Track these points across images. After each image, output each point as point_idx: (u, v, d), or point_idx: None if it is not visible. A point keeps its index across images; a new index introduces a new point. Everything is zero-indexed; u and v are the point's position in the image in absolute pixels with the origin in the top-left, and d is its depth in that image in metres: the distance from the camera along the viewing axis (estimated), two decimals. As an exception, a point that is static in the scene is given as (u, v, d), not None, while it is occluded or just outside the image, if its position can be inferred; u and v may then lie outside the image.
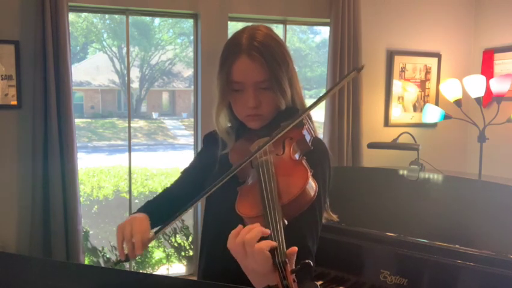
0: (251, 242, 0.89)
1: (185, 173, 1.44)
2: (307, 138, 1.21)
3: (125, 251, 1.21)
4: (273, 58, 1.20)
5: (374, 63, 4.18)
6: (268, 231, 0.91)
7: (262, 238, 0.90)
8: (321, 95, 1.20)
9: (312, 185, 1.05)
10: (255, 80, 1.20)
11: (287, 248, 0.89)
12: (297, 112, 1.24)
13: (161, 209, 1.38)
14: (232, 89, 1.24)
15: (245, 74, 1.20)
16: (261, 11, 3.85)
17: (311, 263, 0.86)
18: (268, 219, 0.94)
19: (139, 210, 1.36)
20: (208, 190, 1.11)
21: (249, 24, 1.32)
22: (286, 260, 0.86)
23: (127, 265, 4.03)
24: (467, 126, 4.12)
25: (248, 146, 1.21)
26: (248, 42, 1.20)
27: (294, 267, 0.88)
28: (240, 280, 0.91)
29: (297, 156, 1.15)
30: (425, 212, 2.13)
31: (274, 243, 0.88)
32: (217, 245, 1.27)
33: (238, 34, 1.25)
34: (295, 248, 0.88)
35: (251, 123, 1.27)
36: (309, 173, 1.06)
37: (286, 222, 0.97)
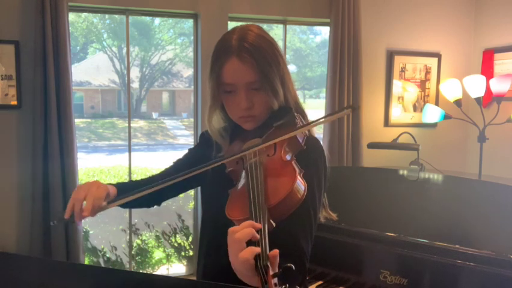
0: (239, 242, 0.89)
1: (176, 164, 1.42)
2: (300, 138, 1.19)
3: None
4: (264, 59, 1.19)
5: (374, 63, 4.18)
6: (258, 236, 0.90)
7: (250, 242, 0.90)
8: (311, 121, 1.19)
9: (300, 186, 1.04)
10: (246, 81, 1.19)
11: (279, 252, 0.88)
12: (290, 111, 1.23)
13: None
14: (223, 91, 1.23)
15: (236, 76, 1.19)
16: (261, 11, 3.85)
17: (293, 267, 0.84)
18: None
19: (117, 184, 1.32)
20: (182, 175, 1.11)
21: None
22: (268, 264, 0.85)
23: (127, 265, 4.03)
24: (467, 126, 4.12)
25: (242, 147, 1.20)
26: (238, 43, 1.19)
27: (277, 270, 0.86)
28: (239, 280, 0.91)
29: (288, 157, 1.14)
30: (425, 212, 2.13)
31: (258, 250, 0.87)
32: (214, 245, 1.27)
33: (228, 35, 1.23)
34: (277, 251, 0.87)
35: (245, 124, 1.26)
36: (297, 174, 1.04)
37: (274, 224, 0.96)
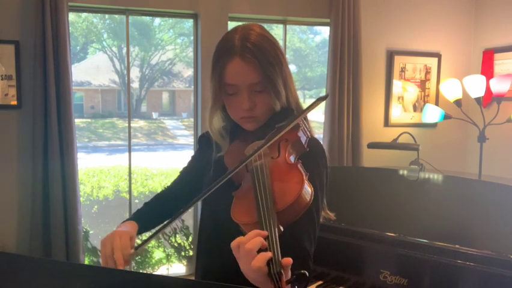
0: (250, 252, 0.88)
1: (184, 173, 1.44)
2: (303, 139, 1.19)
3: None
4: (267, 59, 1.17)
5: (374, 63, 4.18)
6: (266, 244, 0.89)
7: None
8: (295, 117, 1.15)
9: (307, 190, 1.03)
10: (249, 83, 1.18)
11: (283, 253, 0.88)
12: (292, 113, 1.23)
13: (159, 211, 1.39)
14: (225, 91, 1.22)
15: (239, 77, 1.18)
16: (261, 11, 3.85)
17: (307, 274, 0.84)
18: (263, 228, 0.93)
19: (135, 213, 1.37)
20: (200, 197, 1.09)
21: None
22: (282, 270, 0.84)
23: (127, 265, 4.02)
24: (467, 126, 4.12)
25: (243, 148, 1.19)
26: (241, 43, 1.17)
27: (290, 276, 0.86)
28: (238, 279, 0.91)
29: (292, 159, 1.13)
30: (425, 212, 2.13)
31: (269, 255, 0.86)
32: (213, 245, 1.27)
33: (230, 35, 1.22)
34: (290, 260, 0.87)
35: (246, 125, 1.26)
36: (304, 178, 1.03)
37: (282, 229, 0.95)
